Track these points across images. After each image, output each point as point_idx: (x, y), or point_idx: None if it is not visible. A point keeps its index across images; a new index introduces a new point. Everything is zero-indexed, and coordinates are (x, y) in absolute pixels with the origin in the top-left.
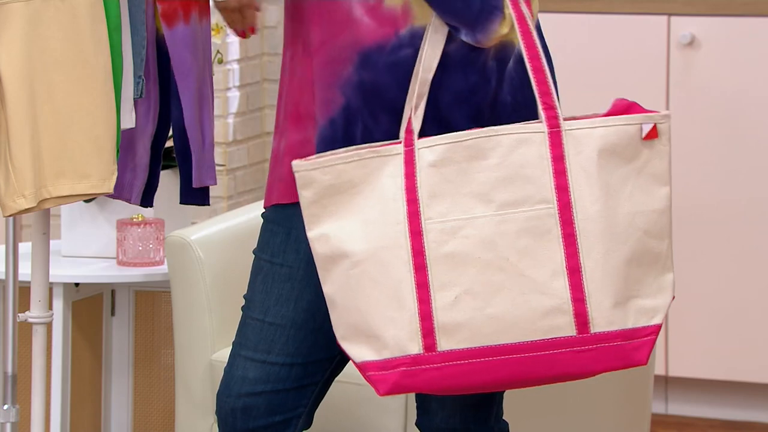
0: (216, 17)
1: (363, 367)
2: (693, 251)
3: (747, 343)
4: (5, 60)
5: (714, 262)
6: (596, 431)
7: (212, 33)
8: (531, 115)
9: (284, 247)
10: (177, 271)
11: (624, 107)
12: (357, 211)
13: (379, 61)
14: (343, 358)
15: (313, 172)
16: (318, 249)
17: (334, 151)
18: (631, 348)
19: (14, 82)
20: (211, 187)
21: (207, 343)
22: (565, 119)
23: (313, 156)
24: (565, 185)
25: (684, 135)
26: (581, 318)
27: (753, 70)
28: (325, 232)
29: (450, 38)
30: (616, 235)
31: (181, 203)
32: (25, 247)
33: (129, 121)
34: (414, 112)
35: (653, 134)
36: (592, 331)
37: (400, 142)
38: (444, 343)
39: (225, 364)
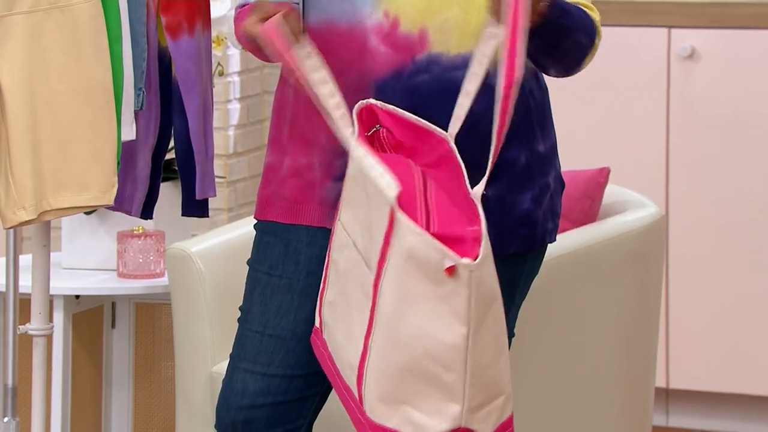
0: (216, 30)
1: None
2: (693, 262)
3: (748, 355)
4: (6, 72)
5: (714, 273)
6: None
7: (213, 45)
8: (524, 122)
9: (283, 258)
10: (177, 284)
11: (457, 234)
12: None
13: (396, 87)
14: None
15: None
16: None
17: (372, 102)
18: None
19: (15, 94)
20: (211, 199)
21: (207, 356)
22: (401, 205)
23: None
24: (381, 270)
25: (684, 147)
26: (359, 389)
27: (753, 82)
28: None
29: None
30: (397, 340)
31: (182, 215)
32: (25, 260)
33: (129, 133)
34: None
35: (451, 272)
36: (363, 406)
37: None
38: (324, 331)
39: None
